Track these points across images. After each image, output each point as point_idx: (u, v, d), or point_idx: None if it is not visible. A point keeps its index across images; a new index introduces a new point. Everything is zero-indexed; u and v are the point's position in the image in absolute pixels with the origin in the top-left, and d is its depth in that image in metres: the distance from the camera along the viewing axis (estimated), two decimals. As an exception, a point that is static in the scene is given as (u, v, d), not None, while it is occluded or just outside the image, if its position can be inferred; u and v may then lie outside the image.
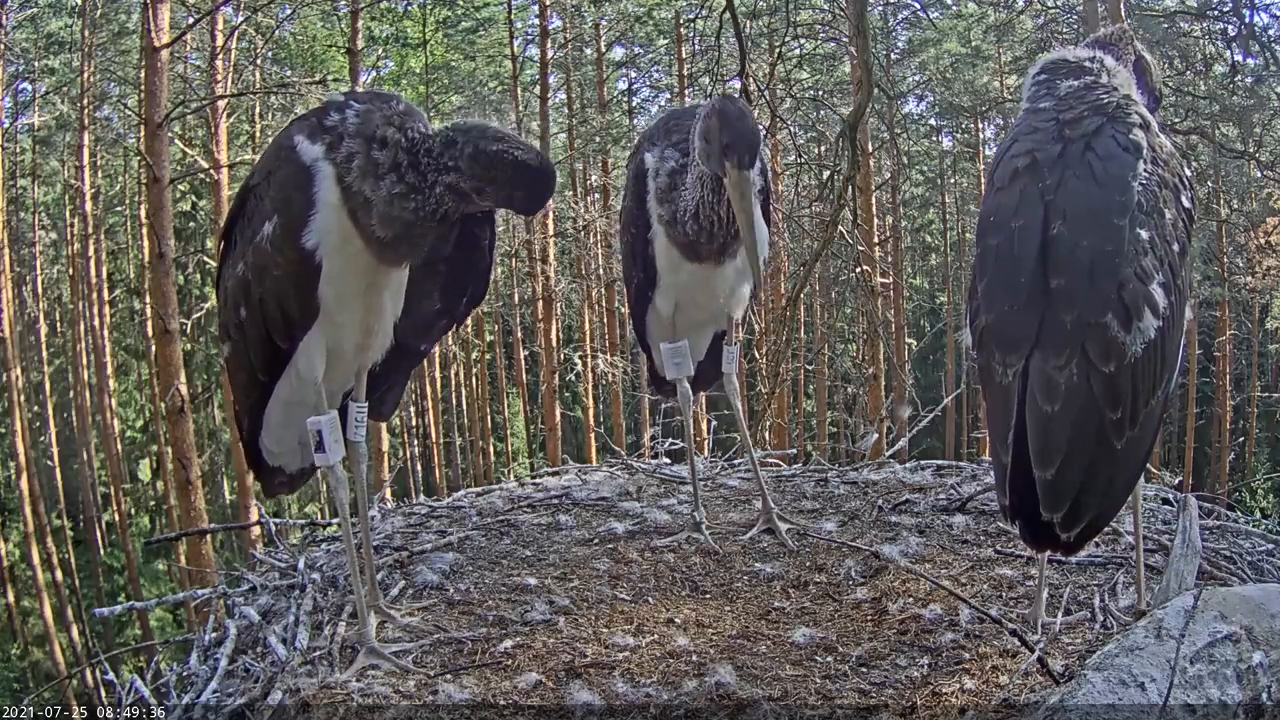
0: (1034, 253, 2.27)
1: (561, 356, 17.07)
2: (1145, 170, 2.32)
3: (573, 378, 20.11)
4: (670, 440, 5.13)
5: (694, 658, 2.65)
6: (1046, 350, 2.22)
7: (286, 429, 2.92)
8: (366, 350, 2.76)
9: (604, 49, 20.22)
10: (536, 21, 18.10)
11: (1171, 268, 2.29)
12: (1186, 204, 2.40)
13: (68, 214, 19.53)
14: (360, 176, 2.43)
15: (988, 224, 2.45)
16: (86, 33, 16.10)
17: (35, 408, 19.44)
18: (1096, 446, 2.21)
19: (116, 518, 18.74)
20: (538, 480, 4.65)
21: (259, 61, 17.02)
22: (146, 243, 14.66)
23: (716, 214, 3.03)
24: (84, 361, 18.96)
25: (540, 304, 16.91)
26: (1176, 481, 4.32)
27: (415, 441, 21.43)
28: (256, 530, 6.14)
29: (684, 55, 18.55)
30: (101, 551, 19.02)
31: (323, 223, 2.47)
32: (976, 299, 2.42)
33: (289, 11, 16.20)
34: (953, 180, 23.85)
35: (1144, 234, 2.26)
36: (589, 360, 17.07)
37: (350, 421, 2.81)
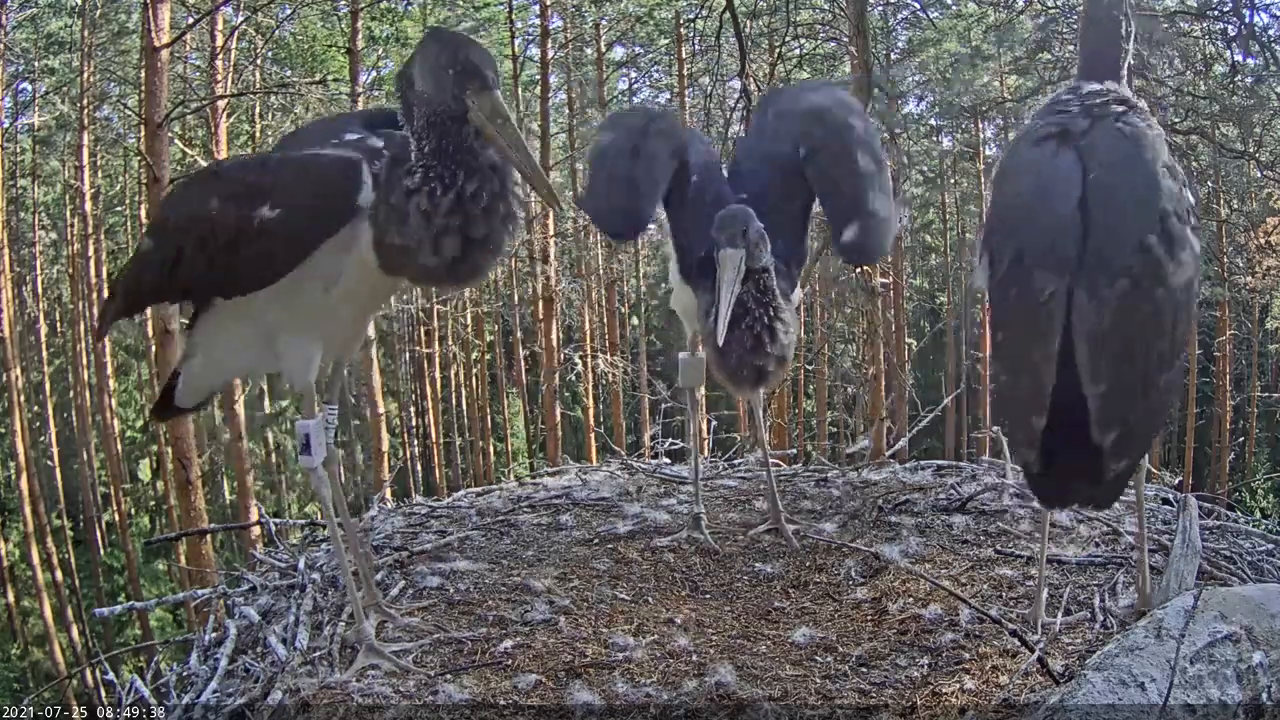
0: (1072, 190, 2.31)
1: (562, 356, 17.00)
2: (1165, 152, 2.39)
3: (573, 378, 20.07)
4: (670, 440, 5.13)
5: (694, 658, 2.65)
6: (1094, 271, 2.24)
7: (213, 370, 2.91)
8: (353, 341, 2.80)
9: (604, 49, 20.22)
10: (537, 22, 18.11)
11: (1193, 230, 2.34)
12: (1191, 200, 2.42)
13: (68, 214, 19.49)
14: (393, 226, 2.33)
15: (1012, 170, 2.49)
16: (86, 33, 16.07)
17: (35, 408, 19.41)
18: (1145, 365, 2.25)
19: (116, 518, 18.72)
20: (538, 480, 4.64)
21: (259, 61, 16.99)
22: (146, 243, 14.61)
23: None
24: (84, 361, 18.93)
25: (540, 304, 16.87)
26: (1176, 481, 4.31)
27: (415, 441, 21.40)
28: (256, 530, 6.14)
29: (684, 55, 18.53)
30: (101, 551, 18.99)
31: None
32: (999, 233, 2.43)
33: (289, 11, 16.16)
34: (953, 180, 23.80)
35: (1174, 186, 2.33)
36: (589, 360, 17.04)
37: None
